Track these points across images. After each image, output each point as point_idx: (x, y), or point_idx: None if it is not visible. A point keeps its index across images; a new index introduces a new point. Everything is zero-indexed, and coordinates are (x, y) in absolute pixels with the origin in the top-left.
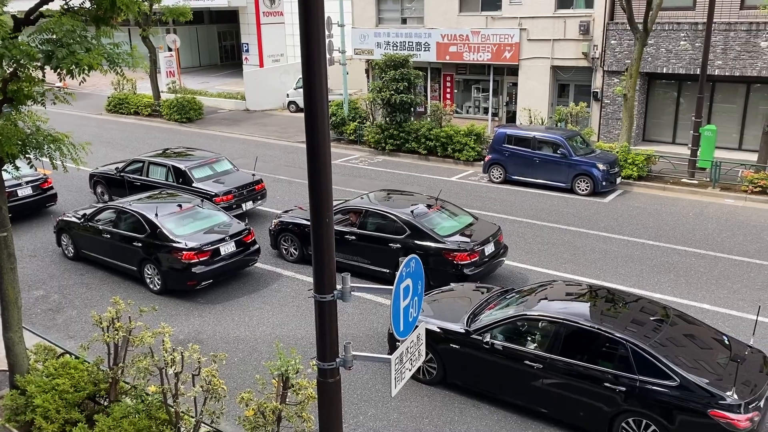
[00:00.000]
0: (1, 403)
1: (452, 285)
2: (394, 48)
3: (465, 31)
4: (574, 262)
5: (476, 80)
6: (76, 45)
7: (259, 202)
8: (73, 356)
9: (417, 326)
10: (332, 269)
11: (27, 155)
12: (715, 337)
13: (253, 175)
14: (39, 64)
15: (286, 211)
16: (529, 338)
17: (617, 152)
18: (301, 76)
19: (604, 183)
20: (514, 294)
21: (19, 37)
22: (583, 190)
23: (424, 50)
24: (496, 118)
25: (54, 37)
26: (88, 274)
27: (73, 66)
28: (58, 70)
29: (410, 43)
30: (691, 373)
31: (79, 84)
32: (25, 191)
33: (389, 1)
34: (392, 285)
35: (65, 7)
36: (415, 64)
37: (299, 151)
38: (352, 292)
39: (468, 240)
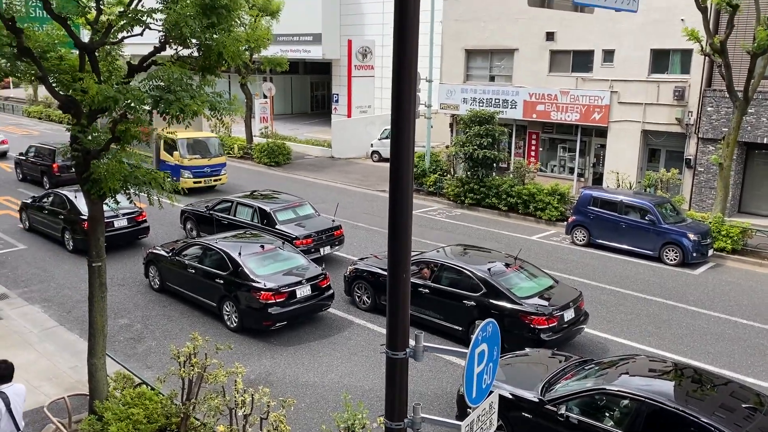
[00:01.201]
0: (79, 427)
1: (527, 350)
2: (480, 104)
3: (554, 91)
4: (659, 336)
5: (563, 140)
6: (182, 92)
7: (337, 247)
8: (149, 387)
9: (490, 393)
10: (406, 326)
11: (127, 191)
12: None
13: (333, 220)
14: (147, 108)
15: (362, 259)
16: (607, 414)
17: (710, 223)
18: (385, 127)
19: (694, 254)
20: (593, 365)
21: (132, 82)
22: (671, 260)
23: (511, 107)
24: (582, 179)
25: (162, 84)
26: (170, 306)
27: (179, 111)
28: (165, 115)
29: (497, 100)
30: None
31: (185, 128)
32: (120, 222)
33: (478, 59)
34: (465, 345)
35: (175, 57)
36: (501, 120)
37: (379, 200)
38: (425, 352)
39: (547, 304)
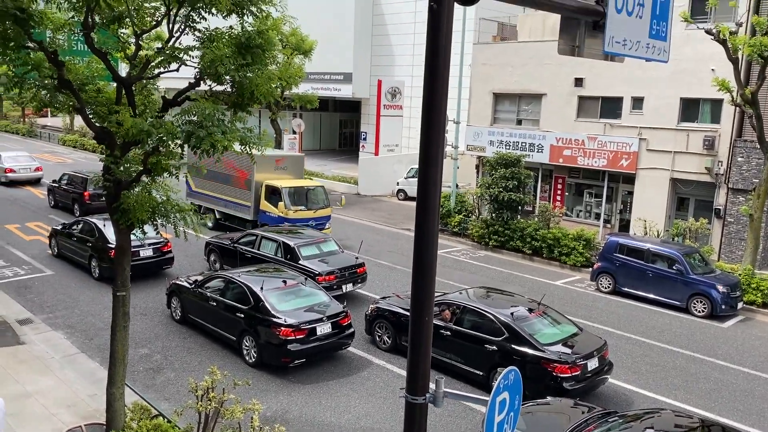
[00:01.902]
0: None
1: (549, 398)
2: (507, 147)
3: (581, 136)
4: (686, 390)
5: (589, 185)
6: (214, 127)
7: (360, 285)
8: (166, 419)
9: None
10: (427, 370)
11: (155, 222)
12: None
13: (357, 257)
14: (180, 142)
15: (384, 298)
16: None
17: (739, 275)
18: (412, 166)
19: (723, 306)
20: (617, 418)
21: (165, 117)
22: (699, 312)
23: (537, 151)
24: (608, 225)
25: (195, 119)
26: (190, 338)
27: (210, 146)
28: (196, 150)
29: (523, 144)
30: None
31: (215, 162)
32: (146, 252)
33: (506, 102)
34: (485, 390)
35: (209, 93)
36: (527, 163)
37: (403, 238)
38: (445, 398)
39: (570, 351)
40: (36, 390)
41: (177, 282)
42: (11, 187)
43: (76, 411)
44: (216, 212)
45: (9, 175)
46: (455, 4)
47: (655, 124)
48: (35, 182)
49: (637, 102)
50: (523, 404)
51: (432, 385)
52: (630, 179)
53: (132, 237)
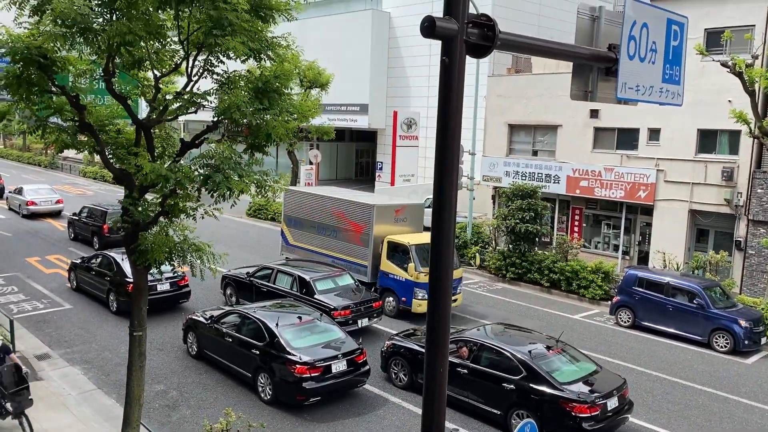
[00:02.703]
0: None
1: None
2: (523, 177)
3: (598, 167)
4: (709, 430)
5: (607, 216)
6: (230, 171)
7: (375, 319)
8: None
9: None
10: (442, 421)
11: (172, 262)
12: None
13: (373, 291)
14: (197, 185)
15: (399, 333)
16: None
17: (762, 309)
18: (427, 196)
19: (746, 342)
20: None
21: (182, 161)
22: (721, 347)
23: (554, 182)
24: (627, 257)
25: (213, 162)
26: (206, 374)
27: (227, 190)
28: (212, 193)
29: (539, 174)
30: None
31: (231, 207)
32: (163, 286)
33: (521, 133)
34: (503, 429)
35: (227, 135)
36: (544, 194)
37: None
38: None
39: (589, 390)
40: (53, 427)
41: (193, 317)
42: (32, 220)
43: None
44: None
45: (30, 207)
46: (467, 57)
47: (673, 155)
48: (56, 215)
49: (654, 133)
50: None
51: None
52: (648, 210)
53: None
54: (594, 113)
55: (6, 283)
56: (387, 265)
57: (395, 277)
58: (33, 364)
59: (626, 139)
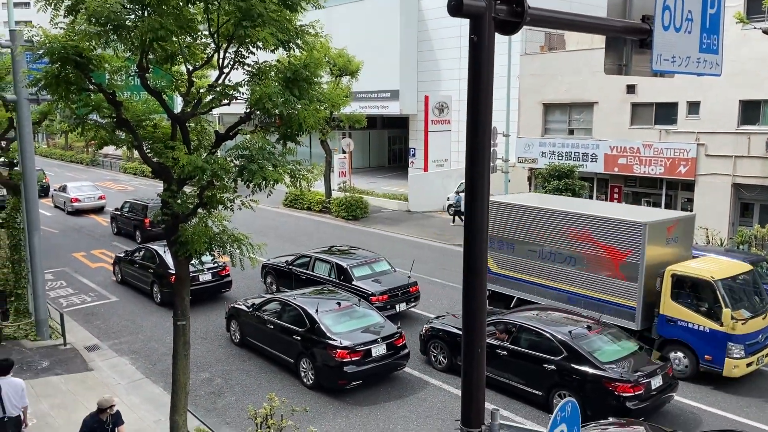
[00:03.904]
0: None
1: (611, 419)
2: (559, 158)
3: (636, 144)
4: (759, 408)
5: (647, 193)
6: (265, 161)
7: (413, 304)
8: None
9: None
10: (481, 402)
11: (212, 252)
12: None
13: (409, 277)
14: (233, 176)
15: (438, 317)
16: None
17: None
18: (461, 181)
19: None
20: None
21: (218, 152)
22: None
23: (591, 161)
24: None
25: (247, 153)
26: (249, 361)
27: (262, 180)
28: (248, 183)
29: (576, 154)
30: None
31: (267, 196)
32: (205, 277)
33: (556, 113)
34: (545, 410)
35: (260, 125)
36: (581, 174)
37: (455, 254)
38: (501, 430)
39: (632, 370)
40: None
41: (235, 306)
42: (77, 216)
43: None
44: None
45: (74, 204)
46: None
47: (714, 128)
48: (99, 210)
49: (693, 106)
50: (585, 424)
51: (487, 420)
52: (689, 186)
53: (190, 265)
54: (631, 89)
55: (55, 278)
56: (673, 308)
57: (691, 325)
58: (83, 356)
59: (665, 113)
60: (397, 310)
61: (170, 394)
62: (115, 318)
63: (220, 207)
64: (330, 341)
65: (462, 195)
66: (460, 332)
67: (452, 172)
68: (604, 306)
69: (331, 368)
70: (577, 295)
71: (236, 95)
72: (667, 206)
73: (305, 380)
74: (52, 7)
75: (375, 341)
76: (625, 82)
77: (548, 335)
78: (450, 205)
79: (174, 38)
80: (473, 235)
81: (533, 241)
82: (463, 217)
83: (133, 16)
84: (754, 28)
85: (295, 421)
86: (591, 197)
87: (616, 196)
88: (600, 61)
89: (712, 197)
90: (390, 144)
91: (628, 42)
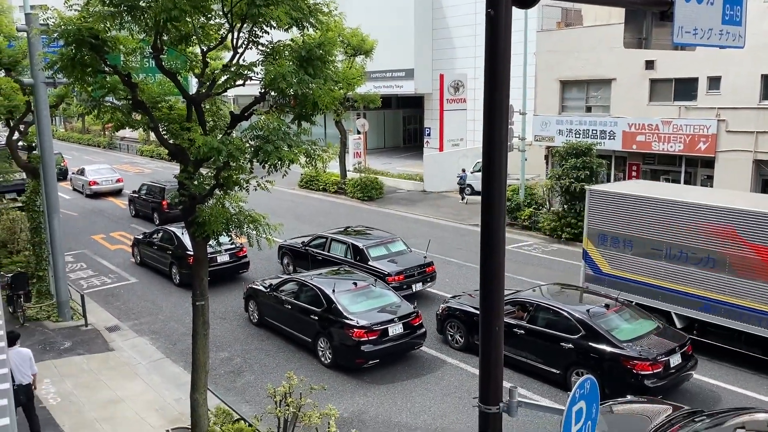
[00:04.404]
0: None
1: (629, 397)
2: (577, 135)
3: (655, 121)
4: None
5: (665, 171)
6: (280, 141)
7: (429, 284)
8: (247, 423)
9: None
10: (499, 380)
11: (229, 233)
12: None
13: (425, 257)
14: (248, 157)
15: (454, 297)
16: None
17: None
18: (477, 160)
19: None
20: (704, 417)
21: (233, 133)
22: None
23: (609, 138)
24: None
25: (262, 133)
26: (268, 340)
27: (277, 161)
28: (264, 164)
29: (594, 131)
30: None
31: (282, 177)
32: (223, 258)
33: (574, 90)
34: (562, 388)
35: (274, 105)
36: (599, 151)
37: (471, 234)
38: (519, 407)
39: (650, 348)
40: (126, 395)
41: (253, 286)
42: (95, 199)
43: (163, 414)
44: (675, 316)
45: (93, 187)
46: (513, 7)
47: (735, 103)
48: (117, 193)
49: (714, 81)
50: (602, 403)
51: (506, 398)
52: (709, 163)
53: (208, 246)
54: (649, 64)
55: (75, 260)
56: None
57: None
58: (105, 336)
59: (684, 89)
60: (413, 290)
61: (190, 373)
62: (135, 299)
63: (237, 188)
64: (347, 321)
65: (467, 172)
66: (477, 311)
67: (468, 152)
68: (752, 316)
69: (349, 347)
70: (714, 302)
71: (251, 75)
72: (686, 184)
73: (323, 359)
74: None
75: (392, 321)
76: (643, 58)
77: (566, 314)
78: (459, 184)
79: (188, 18)
80: (490, 214)
81: (655, 238)
82: (465, 194)
83: None
84: None
85: (314, 399)
86: (609, 175)
87: (634, 174)
88: (618, 36)
89: (732, 174)
90: (405, 124)
91: (648, 14)
